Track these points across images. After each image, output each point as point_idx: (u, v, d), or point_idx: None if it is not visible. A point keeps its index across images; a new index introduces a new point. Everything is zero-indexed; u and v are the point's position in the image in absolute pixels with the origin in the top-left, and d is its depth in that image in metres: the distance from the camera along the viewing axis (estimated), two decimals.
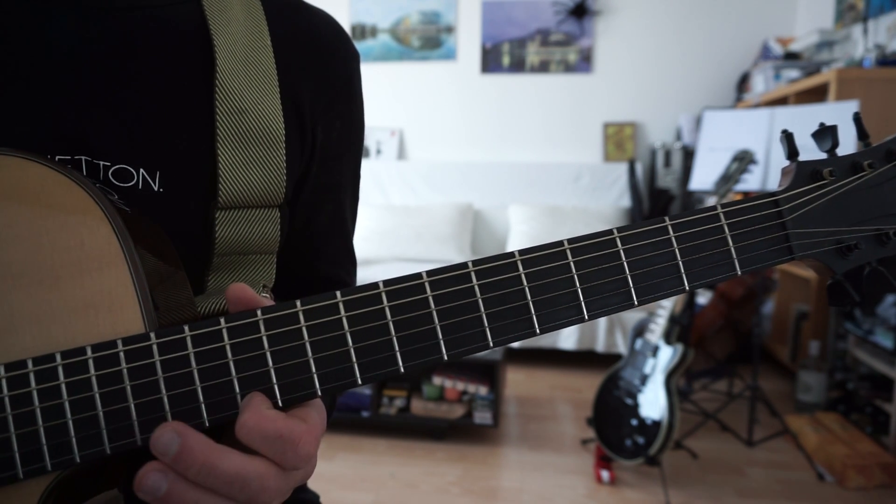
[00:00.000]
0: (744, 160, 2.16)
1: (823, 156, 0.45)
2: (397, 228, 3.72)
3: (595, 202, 3.81)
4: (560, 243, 0.40)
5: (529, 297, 0.39)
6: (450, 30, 4.09)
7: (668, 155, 3.84)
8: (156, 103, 0.47)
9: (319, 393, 0.38)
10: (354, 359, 0.38)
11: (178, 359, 0.36)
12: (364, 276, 2.96)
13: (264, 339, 0.37)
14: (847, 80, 2.57)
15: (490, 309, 0.39)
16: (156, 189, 0.47)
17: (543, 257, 0.40)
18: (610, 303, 0.40)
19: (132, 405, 0.36)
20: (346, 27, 4.12)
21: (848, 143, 1.43)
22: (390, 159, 4.16)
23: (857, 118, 0.45)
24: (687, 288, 0.41)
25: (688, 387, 2.71)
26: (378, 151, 4.18)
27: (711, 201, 2.20)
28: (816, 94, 2.89)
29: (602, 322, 3.11)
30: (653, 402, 2.00)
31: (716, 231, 0.42)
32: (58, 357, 0.36)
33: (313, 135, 0.54)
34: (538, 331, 0.39)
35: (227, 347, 0.37)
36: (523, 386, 3.01)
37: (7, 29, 0.46)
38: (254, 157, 0.49)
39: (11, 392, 0.36)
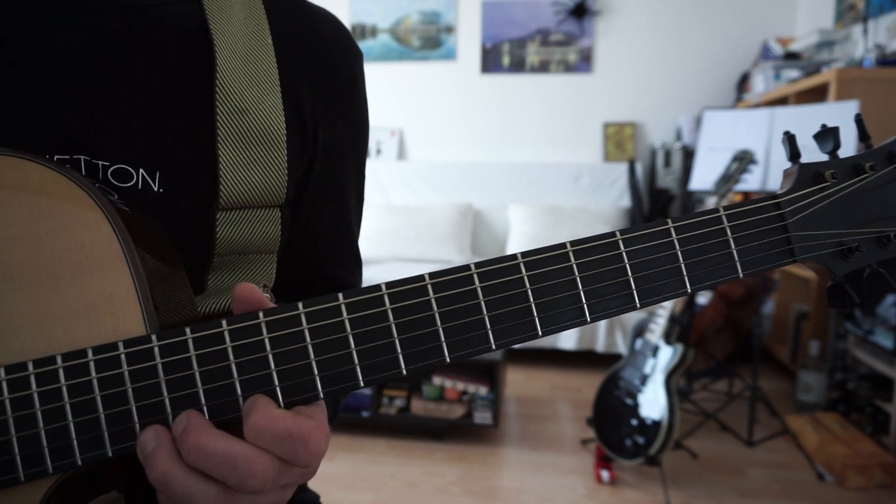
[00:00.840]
0: (744, 160, 2.16)
1: (825, 157, 0.44)
2: (397, 228, 3.71)
3: (595, 202, 3.81)
4: (563, 245, 0.40)
5: (532, 300, 0.39)
6: (450, 30, 4.09)
7: (668, 155, 3.84)
8: (155, 103, 0.47)
9: (322, 395, 0.37)
10: (357, 361, 0.37)
11: (180, 361, 0.36)
12: (364, 276, 2.95)
13: (266, 341, 0.37)
14: (847, 80, 2.57)
15: (493, 311, 0.39)
16: (155, 189, 0.47)
17: (546, 259, 0.40)
18: (612, 305, 0.40)
19: (134, 408, 0.36)
20: (347, 28, 4.11)
21: (847, 143, 1.42)
22: (390, 159, 4.16)
23: (859, 119, 0.45)
24: (689, 290, 0.41)
25: (688, 387, 2.71)
26: (378, 151, 4.18)
27: (711, 201, 2.20)
28: (816, 94, 2.89)
29: (602, 322, 3.11)
30: (653, 402, 2.00)
31: (718, 233, 0.42)
32: (59, 359, 0.36)
33: (315, 135, 0.53)
34: (540, 333, 0.39)
35: (229, 349, 0.37)
36: (523, 386, 3.01)
37: (6, 28, 0.45)
38: (254, 157, 0.49)
39: (12, 394, 0.36)
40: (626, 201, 3.78)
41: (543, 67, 4.02)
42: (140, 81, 0.47)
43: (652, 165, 3.89)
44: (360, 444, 2.38)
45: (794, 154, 0.44)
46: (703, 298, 2.94)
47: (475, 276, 0.39)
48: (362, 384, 0.38)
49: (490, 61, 4.07)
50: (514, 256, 0.39)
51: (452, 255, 3.64)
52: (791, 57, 3.32)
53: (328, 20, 0.56)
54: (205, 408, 0.36)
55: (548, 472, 2.18)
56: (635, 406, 2.05)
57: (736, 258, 0.42)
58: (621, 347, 3.07)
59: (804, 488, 2.06)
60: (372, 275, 3.18)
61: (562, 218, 3.63)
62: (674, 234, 0.41)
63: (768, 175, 2.25)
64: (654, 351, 2.08)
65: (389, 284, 0.38)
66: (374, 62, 4.15)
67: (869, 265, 0.43)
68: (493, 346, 0.39)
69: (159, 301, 0.40)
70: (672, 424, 1.95)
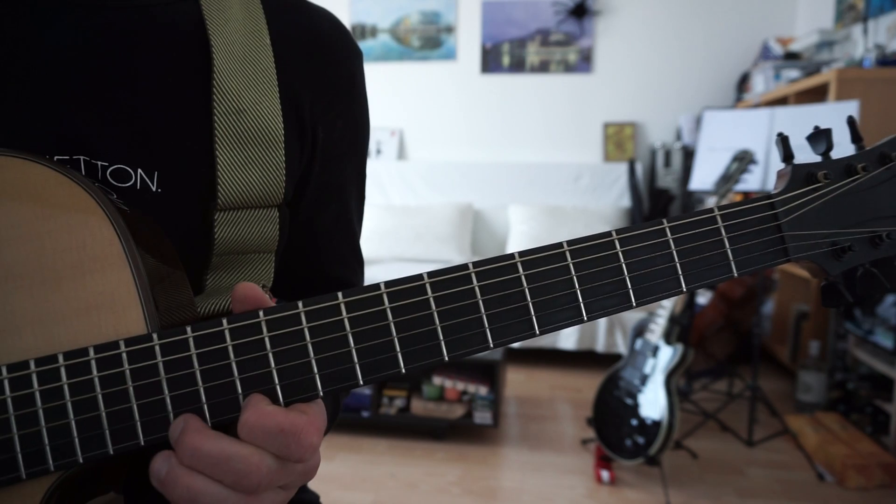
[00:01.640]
0: (744, 160, 2.16)
1: (819, 157, 0.45)
2: (397, 228, 3.72)
3: (595, 202, 3.81)
4: (559, 245, 0.40)
5: (529, 299, 0.39)
6: (450, 30, 4.10)
7: (668, 155, 3.84)
8: (154, 103, 0.47)
9: (322, 394, 0.38)
10: (356, 360, 0.38)
11: (181, 360, 0.37)
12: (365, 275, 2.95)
13: (266, 340, 0.37)
14: (847, 80, 2.57)
15: (490, 310, 0.39)
16: (154, 189, 0.47)
17: (543, 259, 0.40)
18: (609, 304, 0.40)
19: (135, 406, 0.36)
20: (347, 28, 4.12)
21: (846, 144, 1.43)
22: (390, 159, 4.16)
23: (852, 121, 0.45)
24: (685, 289, 0.42)
25: (688, 387, 2.71)
26: (378, 151, 4.18)
27: (711, 201, 2.20)
28: (816, 95, 2.89)
29: (602, 322, 3.11)
30: (653, 402, 2.00)
31: (713, 233, 0.42)
32: (60, 358, 0.36)
33: (314, 134, 0.53)
34: (538, 332, 0.39)
35: (230, 348, 0.37)
36: (523, 386, 3.01)
37: (4, 28, 0.46)
38: (253, 157, 0.49)
39: (14, 393, 0.36)
40: (626, 201, 3.78)
41: (543, 67, 4.02)
42: (138, 82, 0.47)
43: (652, 165, 3.89)
44: (360, 444, 2.38)
45: (787, 155, 0.44)
46: (703, 298, 2.95)
47: (473, 275, 0.39)
48: (362, 382, 0.38)
49: (490, 61, 4.07)
50: (511, 256, 0.40)
51: (452, 255, 3.64)
52: (791, 57, 3.32)
53: (327, 19, 0.56)
54: (205, 406, 0.37)
55: (548, 472, 2.18)
56: (635, 406, 2.05)
57: (730, 257, 0.42)
58: (621, 347, 3.07)
59: (804, 488, 2.06)
60: (372, 275, 3.18)
61: (562, 218, 3.64)
62: (669, 234, 0.41)
63: (768, 175, 2.25)
64: (654, 351, 2.08)
65: (388, 283, 0.38)
66: (374, 62, 4.15)
67: (862, 265, 0.44)
68: (492, 345, 0.39)
69: (160, 300, 0.40)
70: (672, 424, 1.95)
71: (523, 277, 0.39)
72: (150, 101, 0.47)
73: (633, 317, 3.01)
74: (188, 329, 0.37)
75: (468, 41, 4.08)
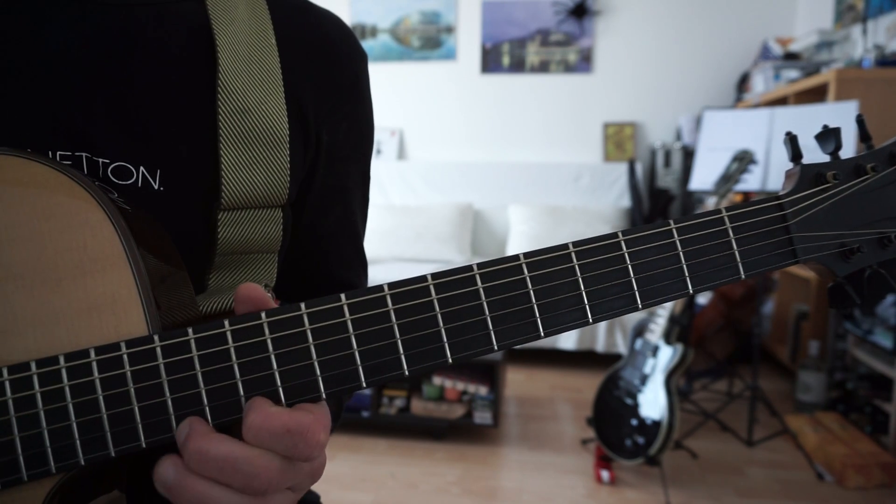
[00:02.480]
0: (744, 160, 2.16)
1: (826, 158, 0.44)
2: (397, 228, 3.72)
3: (595, 202, 3.81)
4: (565, 246, 0.40)
5: (534, 300, 0.39)
6: (450, 30, 4.09)
7: (668, 155, 3.84)
8: (157, 101, 0.47)
9: (324, 396, 0.38)
10: (359, 362, 0.37)
11: (182, 361, 0.36)
12: None
13: (268, 341, 0.37)
14: (846, 80, 2.57)
15: (495, 312, 0.39)
16: (156, 187, 0.47)
17: (548, 260, 0.40)
18: (614, 306, 0.40)
19: (136, 408, 0.36)
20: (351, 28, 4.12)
21: (846, 143, 1.42)
22: (390, 159, 4.16)
23: (861, 120, 0.45)
24: (691, 291, 0.41)
25: (688, 387, 2.71)
26: (378, 151, 4.18)
27: (711, 201, 2.20)
28: (816, 95, 2.89)
29: (602, 322, 3.11)
30: (653, 402, 2.00)
31: (720, 235, 0.42)
32: (61, 359, 0.36)
33: (318, 136, 0.53)
34: (543, 334, 0.39)
35: (232, 350, 0.37)
36: (523, 386, 3.01)
37: (8, 25, 0.45)
38: (257, 157, 0.49)
39: (15, 395, 0.36)
40: (625, 201, 3.78)
41: (543, 67, 4.02)
42: (142, 79, 0.47)
43: (652, 165, 3.89)
44: (360, 444, 2.38)
45: (796, 155, 0.44)
46: (702, 298, 2.95)
47: (478, 276, 0.39)
48: (364, 385, 0.38)
49: (490, 61, 4.07)
50: (516, 257, 0.39)
51: (452, 255, 3.64)
52: (791, 57, 3.32)
53: (332, 21, 0.56)
54: (207, 409, 0.36)
55: (548, 472, 2.18)
56: (635, 406, 2.05)
57: (738, 259, 0.42)
58: (621, 347, 3.07)
59: (804, 488, 2.06)
60: (372, 275, 3.17)
61: (562, 218, 3.63)
62: (676, 235, 0.41)
63: (768, 175, 2.25)
64: (654, 351, 2.08)
65: (392, 285, 0.38)
66: (374, 62, 4.14)
67: (870, 266, 0.43)
68: (496, 347, 0.39)
69: (161, 301, 0.40)
70: (672, 424, 1.95)
71: (528, 279, 0.39)
72: (153, 99, 0.47)
73: (633, 317, 3.01)
74: (190, 331, 0.36)
75: (468, 41, 4.08)
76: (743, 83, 3.74)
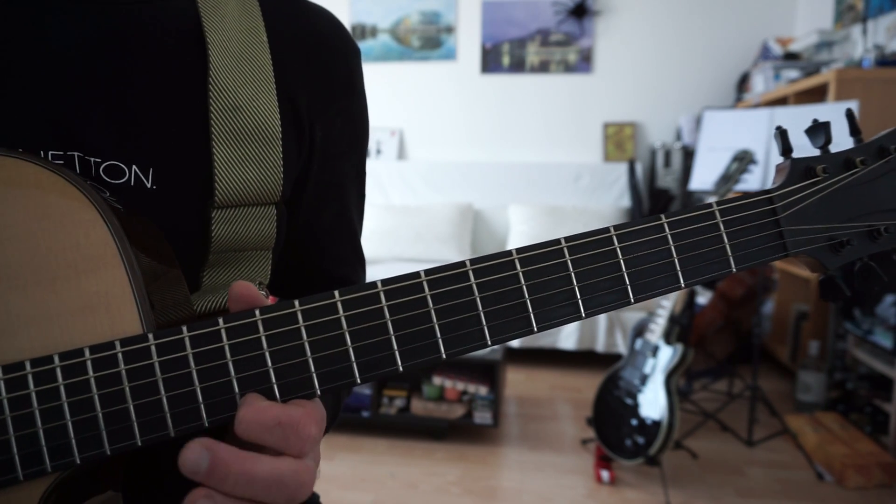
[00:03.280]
0: (744, 160, 2.16)
1: (818, 153, 0.45)
2: (397, 228, 3.72)
3: (595, 202, 3.81)
4: (557, 241, 0.40)
5: (527, 295, 0.39)
6: (450, 30, 4.09)
7: (668, 155, 3.84)
8: (148, 100, 0.47)
9: (319, 392, 0.38)
10: (353, 358, 0.38)
11: (177, 360, 0.36)
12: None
13: (263, 339, 0.37)
14: (846, 80, 2.58)
15: (488, 307, 0.39)
16: (149, 186, 0.47)
17: (540, 255, 0.40)
18: (607, 300, 0.40)
19: (131, 406, 0.36)
20: (346, 27, 4.12)
21: (846, 143, 1.42)
22: (390, 159, 4.16)
23: (850, 114, 0.45)
24: (683, 285, 0.41)
25: (688, 387, 2.71)
26: (378, 151, 4.18)
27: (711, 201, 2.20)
28: (816, 95, 2.89)
29: (602, 322, 3.11)
30: (653, 402, 2.00)
31: (711, 228, 0.42)
32: (56, 358, 0.36)
33: (312, 132, 0.53)
34: (535, 329, 0.39)
35: (226, 348, 0.37)
36: (523, 386, 3.01)
37: (1, 23, 0.45)
38: (249, 154, 0.49)
39: (10, 394, 0.36)
40: (626, 201, 3.78)
41: (543, 67, 4.02)
42: (133, 78, 0.47)
43: (652, 165, 3.89)
44: (360, 444, 2.38)
45: (785, 149, 0.44)
46: (703, 298, 2.94)
47: (470, 272, 0.39)
48: (359, 381, 0.38)
49: (490, 61, 4.07)
50: (508, 253, 0.39)
51: (452, 255, 3.64)
52: (791, 57, 3.32)
53: (324, 17, 0.56)
54: (202, 406, 0.36)
55: (548, 472, 2.18)
56: (635, 406, 2.05)
57: (729, 252, 0.42)
58: (621, 347, 3.07)
59: (804, 488, 2.06)
60: (372, 275, 3.17)
61: (562, 218, 3.64)
62: (667, 229, 0.41)
63: (768, 175, 2.25)
64: (654, 351, 2.08)
65: (385, 281, 0.38)
66: (374, 62, 4.15)
67: (860, 259, 0.44)
68: (489, 343, 0.39)
69: (155, 299, 0.40)
70: (672, 424, 1.95)
71: (521, 274, 0.39)
72: (144, 98, 0.47)
73: (632, 316, 3.01)
74: (184, 329, 0.36)
75: (468, 41, 4.08)
76: (743, 83, 3.74)
